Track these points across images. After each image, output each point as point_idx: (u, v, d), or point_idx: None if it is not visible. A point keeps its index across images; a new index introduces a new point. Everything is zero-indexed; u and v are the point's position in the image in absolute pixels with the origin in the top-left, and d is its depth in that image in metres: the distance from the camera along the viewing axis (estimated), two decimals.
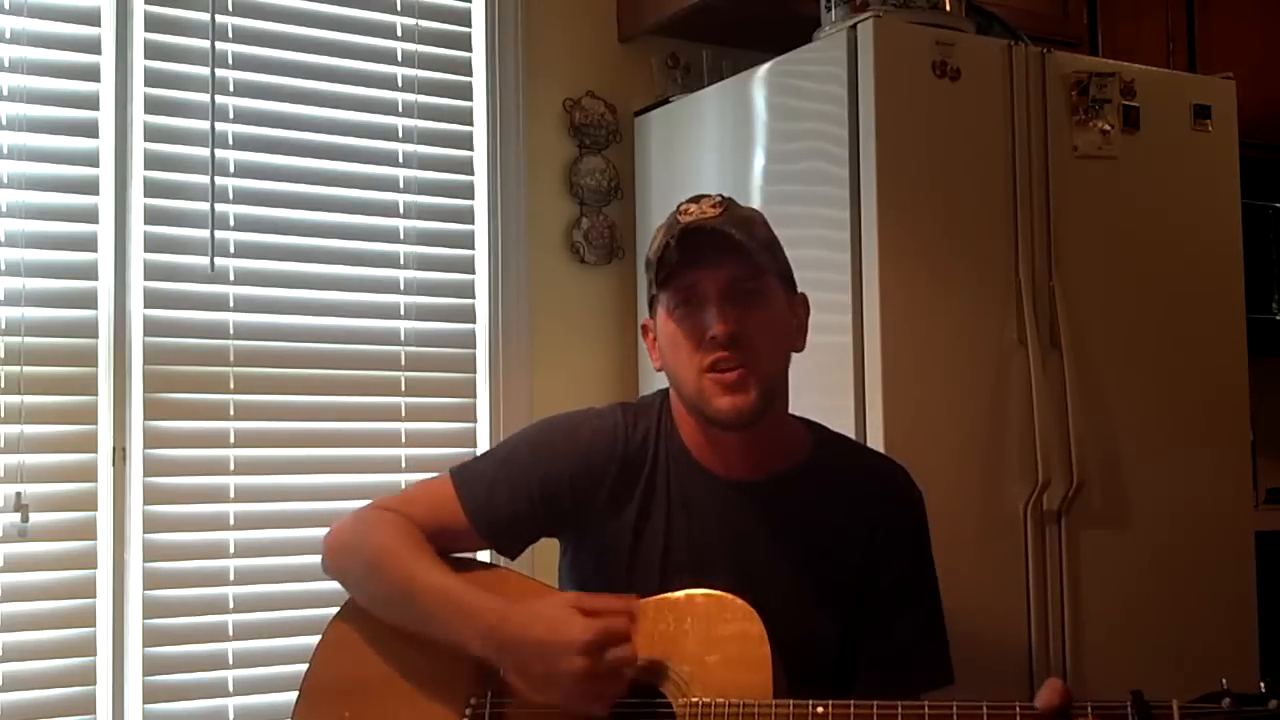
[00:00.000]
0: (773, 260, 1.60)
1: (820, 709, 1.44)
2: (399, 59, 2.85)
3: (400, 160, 2.84)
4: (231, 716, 2.58)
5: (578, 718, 1.48)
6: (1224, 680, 1.39)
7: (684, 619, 1.52)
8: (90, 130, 2.53)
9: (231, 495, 2.62)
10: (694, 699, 1.48)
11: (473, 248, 2.92)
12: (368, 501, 1.71)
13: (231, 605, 2.60)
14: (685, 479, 1.62)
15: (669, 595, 1.55)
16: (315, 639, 1.66)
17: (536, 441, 1.68)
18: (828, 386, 2.36)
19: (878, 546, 1.63)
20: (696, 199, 1.60)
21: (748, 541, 1.61)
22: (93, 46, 2.54)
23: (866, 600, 1.62)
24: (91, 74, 2.54)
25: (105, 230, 2.54)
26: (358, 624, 1.63)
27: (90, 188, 2.53)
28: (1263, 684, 1.37)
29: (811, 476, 1.64)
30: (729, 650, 1.50)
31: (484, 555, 1.81)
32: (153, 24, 2.59)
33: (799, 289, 1.69)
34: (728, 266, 1.54)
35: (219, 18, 2.63)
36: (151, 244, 2.57)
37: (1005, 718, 1.40)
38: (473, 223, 2.92)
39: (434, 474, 1.74)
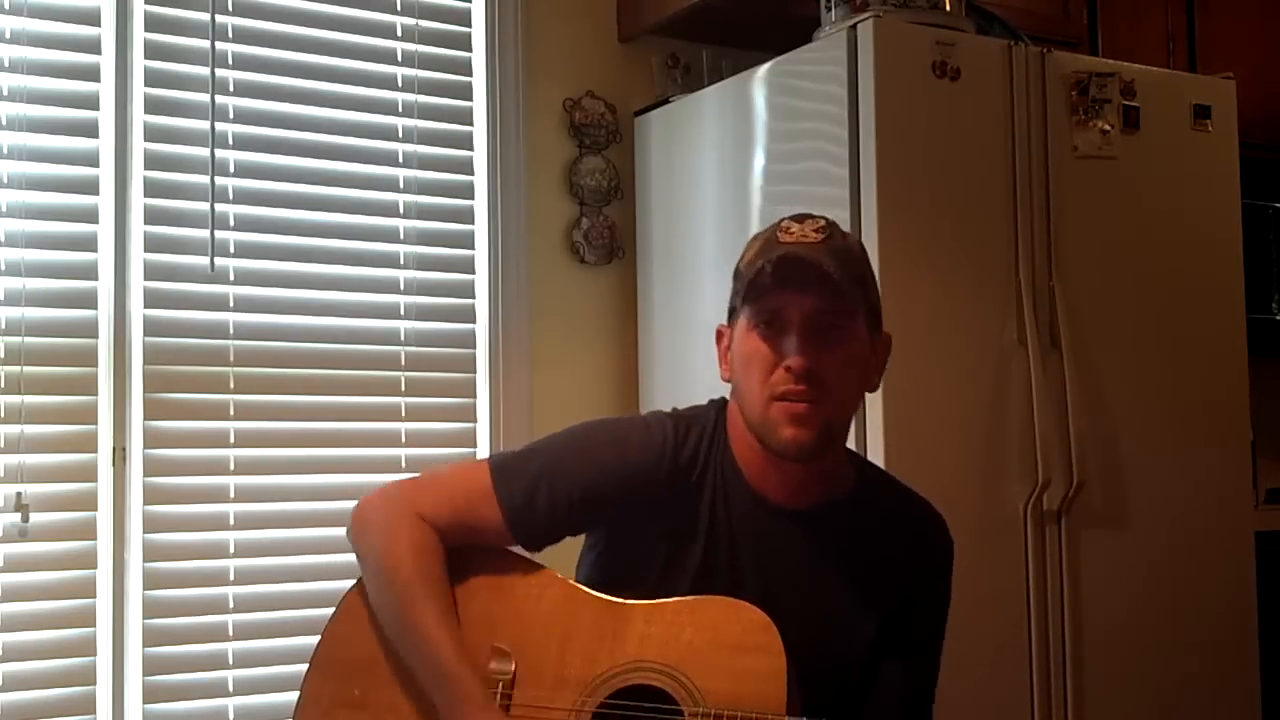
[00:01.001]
0: (864, 298, 1.55)
1: None
2: (399, 59, 2.85)
3: (400, 160, 2.84)
4: (231, 716, 2.58)
5: None
6: None
7: (701, 624, 1.51)
8: (90, 130, 2.53)
9: (231, 495, 2.62)
10: (706, 709, 1.47)
11: (473, 248, 2.92)
12: (403, 476, 1.68)
13: (231, 605, 2.60)
14: (730, 496, 1.61)
15: (686, 598, 1.54)
16: (315, 639, 1.64)
17: (580, 448, 1.63)
18: None
19: (906, 593, 1.63)
20: (800, 218, 1.56)
21: (782, 563, 1.60)
22: (93, 46, 2.54)
23: (888, 636, 1.62)
24: (91, 74, 2.54)
25: (105, 230, 2.54)
26: None
27: (90, 188, 2.53)
28: None
29: (852, 512, 1.63)
30: (744, 661, 1.48)
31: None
32: (153, 24, 2.59)
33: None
34: (817, 296, 1.50)
35: (219, 18, 2.63)
36: (151, 244, 2.57)
37: None
38: (473, 223, 2.92)
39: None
